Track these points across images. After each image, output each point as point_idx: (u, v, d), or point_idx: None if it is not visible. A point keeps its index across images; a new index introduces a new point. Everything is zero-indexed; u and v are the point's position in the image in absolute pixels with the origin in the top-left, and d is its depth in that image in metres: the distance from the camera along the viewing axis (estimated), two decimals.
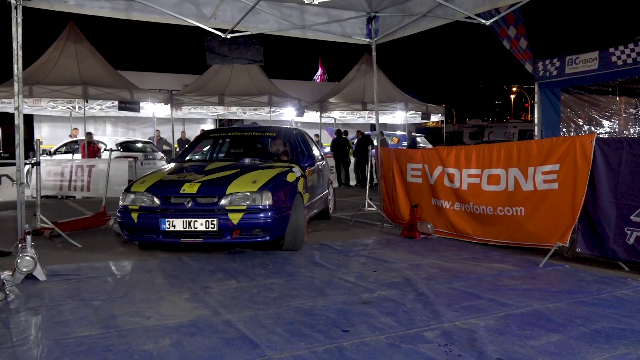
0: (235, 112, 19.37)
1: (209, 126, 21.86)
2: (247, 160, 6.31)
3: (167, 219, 5.14)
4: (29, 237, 4.43)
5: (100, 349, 2.89)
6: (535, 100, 9.18)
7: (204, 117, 21.07)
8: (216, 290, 4.12)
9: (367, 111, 19.07)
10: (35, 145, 5.94)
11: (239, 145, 7.22)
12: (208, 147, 7.52)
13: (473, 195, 6.03)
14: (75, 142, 15.26)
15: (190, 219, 5.10)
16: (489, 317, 3.39)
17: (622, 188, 4.71)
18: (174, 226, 5.12)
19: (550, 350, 2.85)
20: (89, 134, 13.66)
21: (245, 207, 5.14)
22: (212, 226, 5.07)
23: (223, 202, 5.16)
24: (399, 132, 21.55)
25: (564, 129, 8.77)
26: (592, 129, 8.65)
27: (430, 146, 21.26)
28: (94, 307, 3.68)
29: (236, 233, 5.15)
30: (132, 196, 5.39)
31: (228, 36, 6.68)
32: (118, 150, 13.76)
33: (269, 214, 5.17)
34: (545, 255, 5.00)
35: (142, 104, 15.49)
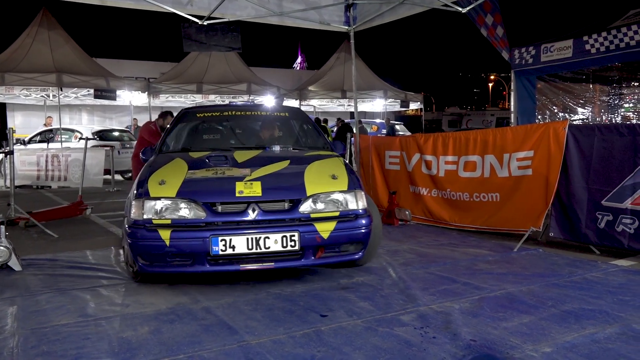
0: (214, 100, 19.23)
1: None
2: (277, 148, 4.82)
3: (220, 237, 3.53)
4: (2, 227, 4.37)
5: (78, 337, 2.88)
6: (512, 88, 9.30)
7: (182, 105, 20.83)
8: (196, 277, 4.11)
9: (347, 99, 19.12)
10: (8, 134, 5.82)
11: (248, 128, 5.53)
12: (196, 131, 5.35)
13: (450, 182, 6.12)
14: (50, 130, 15.00)
15: (257, 235, 3.56)
16: (463, 300, 3.47)
17: (594, 174, 4.82)
18: (233, 247, 3.54)
19: (522, 331, 2.93)
20: (165, 115, 7.25)
21: (338, 214, 3.78)
22: (292, 243, 3.60)
23: (305, 207, 3.72)
24: (378, 120, 21.64)
25: (539, 117, 8.92)
26: (567, 116, 8.81)
27: (408, 134, 21.43)
28: (71, 296, 3.66)
29: (321, 251, 3.75)
30: (157, 204, 3.63)
31: (205, 23, 6.62)
32: (94, 139, 13.52)
33: (365, 221, 3.86)
34: (519, 240, 5.11)
35: (118, 92, 15.29)
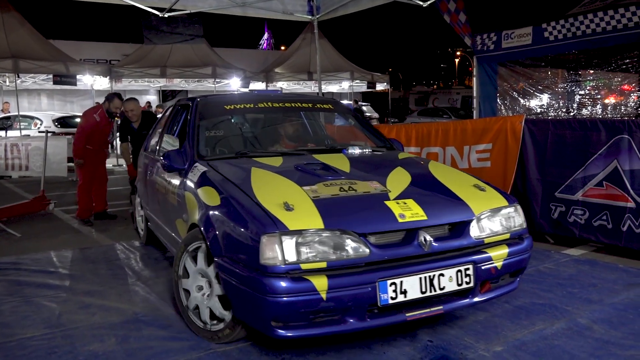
0: (178, 84, 18.93)
1: (152, 98, 21.27)
2: (357, 150, 3.86)
3: (390, 280, 2.60)
4: None
5: (44, 352, 2.90)
6: (474, 73, 9.49)
7: (146, 88, 20.46)
8: (162, 279, 4.15)
9: (314, 81, 19.03)
10: None
11: (302, 124, 4.54)
12: (238, 129, 4.37)
13: None
14: (8, 117, 14.54)
15: (430, 272, 2.69)
16: None
17: (548, 166, 5.03)
18: (404, 292, 2.63)
19: (476, 330, 3.09)
20: (112, 97, 6.44)
21: (508, 237, 3.03)
22: (467, 279, 2.79)
23: (475, 230, 2.90)
24: (345, 102, 21.68)
25: (500, 102, 9.14)
26: (527, 101, 9.05)
27: (375, 114, 21.60)
28: (36, 305, 3.65)
29: (487, 285, 2.96)
30: (303, 240, 2.55)
31: (166, 15, 6.51)
32: (52, 133, 12.98)
33: (529, 242, 3.12)
34: None
35: (79, 77, 14.88)
